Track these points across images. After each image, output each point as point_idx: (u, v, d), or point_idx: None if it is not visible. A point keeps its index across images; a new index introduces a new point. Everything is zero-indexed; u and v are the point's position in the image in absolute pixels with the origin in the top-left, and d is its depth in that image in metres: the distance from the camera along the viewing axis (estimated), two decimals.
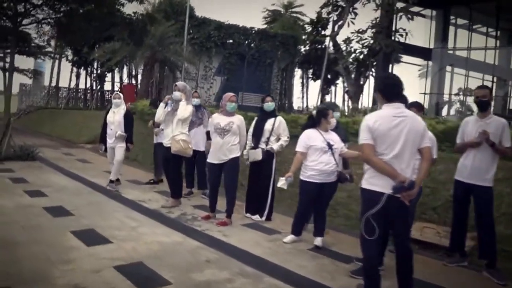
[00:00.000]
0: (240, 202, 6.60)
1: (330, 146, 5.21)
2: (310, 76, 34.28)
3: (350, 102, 18.95)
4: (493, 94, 24.29)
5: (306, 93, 34.84)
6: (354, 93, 18.59)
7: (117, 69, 26.43)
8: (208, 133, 7.64)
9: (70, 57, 26.37)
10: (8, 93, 14.41)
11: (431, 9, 25.48)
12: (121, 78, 28.14)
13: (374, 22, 18.13)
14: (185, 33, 19.79)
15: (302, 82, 34.26)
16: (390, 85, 3.80)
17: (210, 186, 6.35)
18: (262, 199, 6.49)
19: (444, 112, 26.36)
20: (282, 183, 5.17)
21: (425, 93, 26.90)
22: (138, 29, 10.62)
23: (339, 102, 38.74)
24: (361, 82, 19.21)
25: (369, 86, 19.77)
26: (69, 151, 12.99)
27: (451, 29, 26.58)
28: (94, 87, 27.16)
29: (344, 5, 17.96)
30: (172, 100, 6.77)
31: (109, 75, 27.20)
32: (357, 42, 17.92)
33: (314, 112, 5.70)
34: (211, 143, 7.45)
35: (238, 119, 6.13)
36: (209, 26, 23.38)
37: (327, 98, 34.80)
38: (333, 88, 35.44)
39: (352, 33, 18.27)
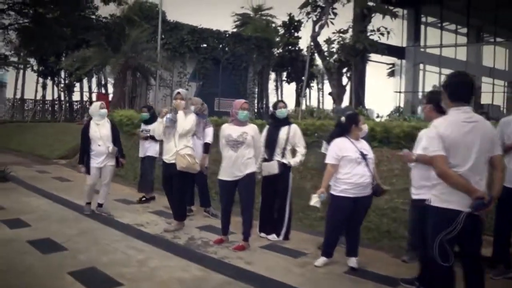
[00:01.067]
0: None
1: (363, 156, 4.61)
2: (284, 79, 33.93)
3: (333, 103, 18.46)
4: None
5: (281, 96, 34.36)
6: (338, 94, 18.19)
7: (85, 78, 25.16)
8: (205, 146, 6.95)
9: (35, 67, 24.82)
10: None
11: (402, 8, 25.64)
12: (90, 88, 26.87)
13: (355, 22, 17.93)
14: (158, 38, 18.89)
15: (276, 85, 33.78)
16: (459, 84, 3.28)
17: (223, 207, 5.59)
18: (278, 216, 5.84)
19: (419, 110, 26.48)
20: (315, 200, 4.51)
21: (400, 92, 27.13)
22: (115, 33, 9.73)
23: (314, 104, 38.58)
24: (343, 83, 18.77)
25: (351, 87, 19.37)
26: (43, 168, 11.93)
27: (422, 27, 26.95)
28: (62, 98, 25.71)
29: (324, 5, 17.62)
30: (172, 111, 6.03)
31: (77, 85, 25.85)
32: (338, 42, 17.55)
33: (342, 118, 5.13)
34: (206, 157, 6.85)
35: (252, 129, 5.42)
36: (182, 31, 22.50)
37: (303, 101, 34.55)
38: (307, 90, 35.24)
39: (333, 33, 17.97)
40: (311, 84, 34.90)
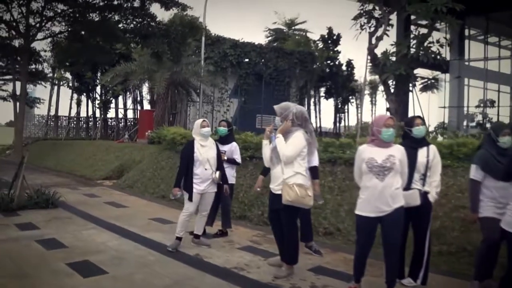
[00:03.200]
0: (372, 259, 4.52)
1: None
2: (322, 94, 32.58)
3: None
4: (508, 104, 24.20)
5: (318, 113, 32.99)
6: (396, 110, 16.70)
7: (121, 95, 24.32)
8: (311, 170, 5.61)
9: (70, 83, 24.04)
10: (20, 125, 11.97)
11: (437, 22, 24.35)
12: (125, 104, 26.01)
13: (417, 33, 16.51)
14: (202, 51, 17.89)
15: (314, 101, 32.44)
16: None
17: (359, 248, 4.28)
18: (415, 256, 4.57)
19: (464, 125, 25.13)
20: None
21: (444, 107, 25.61)
22: (175, 41, 8.67)
23: (353, 121, 37.15)
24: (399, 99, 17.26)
25: (414, 102, 17.81)
26: (90, 191, 10.75)
27: (466, 40, 25.62)
28: (98, 115, 24.85)
29: (379, 16, 16.29)
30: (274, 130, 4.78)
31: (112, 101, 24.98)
32: (396, 54, 16.13)
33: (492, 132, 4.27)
34: (318, 183, 5.54)
35: (398, 151, 4.18)
36: (223, 45, 21.52)
37: (343, 117, 33.13)
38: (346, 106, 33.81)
39: (391, 45, 16.57)
40: (351, 100, 33.48)
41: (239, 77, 22.53)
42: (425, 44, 15.19)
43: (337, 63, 30.34)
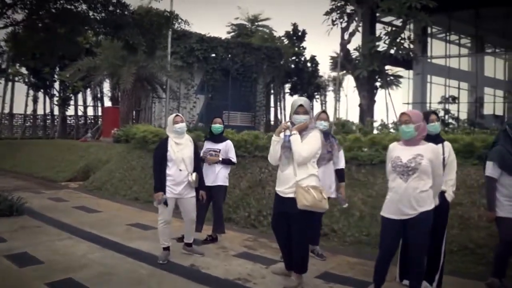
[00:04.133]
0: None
1: None
2: (287, 91, 32.34)
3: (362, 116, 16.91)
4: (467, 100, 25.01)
5: (283, 110, 32.73)
6: (368, 106, 16.69)
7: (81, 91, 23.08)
8: (337, 172, 5.30)
9: (26, 79, 22.47)
10: None
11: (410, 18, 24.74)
12: (84, 101, 24.75)
13: (390, 29, 16.57)
14: (168, 45, 17.16)
15: (279, 98, 32.09)
16: None
17: (382, 250, 3.96)
18: (430, 259, 4.26)
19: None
20: None
21: (408, 103, 26.06)
22: (151, 32, 7.98)
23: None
24: (370, 95, 17.30)
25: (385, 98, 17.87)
26: (56, 195, 9.94)
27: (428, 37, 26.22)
28: (56, 113, 23.44)
29: (352, 12, 16.20)
30: (287, 129, 4.34)
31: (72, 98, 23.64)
32: (370, 50, 16.09)
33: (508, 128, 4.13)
34: (343, 186, 5.36)
35: (429, 150, 3.83)
36: (190, 39, 20.79)
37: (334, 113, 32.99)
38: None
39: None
40: (316, 96, 33.42)
41: (205, 73, 21.90)
42: (398, 40, 15.24)
43: (302, 59, 30.19)
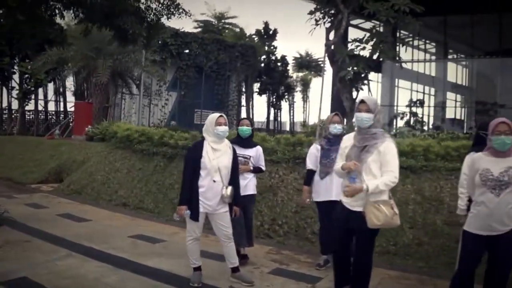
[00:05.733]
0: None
1: None
2: (256, 90, 31.81)
3: (345, 119, 16.56)
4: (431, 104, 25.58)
5: (251, 108, 32.22)
6: (350, 108, 16.34)
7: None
8: None
9: None
10: None
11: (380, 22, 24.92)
12: (45, 95, 23.09)
13: (375, 31, 16.32)
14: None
15: (251, 96, 31.55)
16: None
17: (463, 272, 3.59)
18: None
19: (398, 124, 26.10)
20: None
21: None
22: (152, 24, 7.10)
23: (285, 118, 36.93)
24: (353, 97, 16.96)
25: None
26: (31, 200, 8.85)
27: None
28: (15, 107, 21.62)
29: (337, 12, 15.77)
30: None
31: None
32: (355, 52, 15.76)
33: None
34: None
35: None
36: (164, 33, 19.77)
37: (279, 114, 32.70)
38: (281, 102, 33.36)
39: (350, 42, 16.18)
40: (286, 96, 33.12)
41: (178, 69, 20.99)
42: (381, 43, 15.01)
43: (273, 58, 29.81)
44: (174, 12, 7.43)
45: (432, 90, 26.83)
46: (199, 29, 34.57)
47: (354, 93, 17.41)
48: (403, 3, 13.73)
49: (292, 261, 5.35)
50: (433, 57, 27.37)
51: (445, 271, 4.88)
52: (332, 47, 15.66)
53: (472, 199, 3.62)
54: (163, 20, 7.48)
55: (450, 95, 26.44)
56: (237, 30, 30.80)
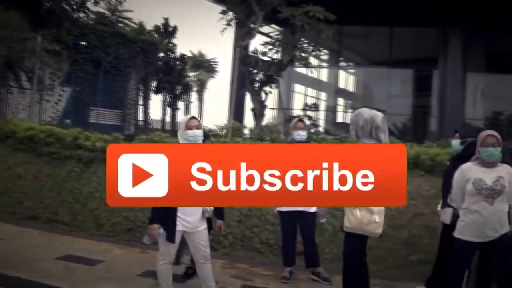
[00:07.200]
0: None
1: None
2: (153, 88, 30.53)
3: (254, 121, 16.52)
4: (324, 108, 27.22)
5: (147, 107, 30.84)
6: (260, 111, 16.35)
7: None
8: None
9: None
10: None
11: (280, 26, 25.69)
12: None
13: (284, 36, 16.54)
14: None
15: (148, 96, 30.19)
16: None
17: (454, 278, 3.84)
18: None
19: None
20: None
21: (273, 108, 27.09)
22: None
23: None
24: (262, 99, 17.02)
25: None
26: None
27: None
28: None
29: (248, 13, 15.66)
30: None
31: None
32: (263, 54, 15.81)
33: None
34: None
35: (506, 171, 3.75)
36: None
37: (178, 114, 31.68)
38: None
39: (262, 44, 16.17)
40: (183, 97, 32.31)
41: (74, 62, 19.18)
42: (297, 48, 15.28)
43: (173, 56, 28.91)
44: None
45: (324, 95, 28.25)
46: (91, 22, 32.26)
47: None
48: (317, 10, 14.09)
49: (254, 276, 5.08)
50: (325, 64, 28.82)
51: (394, 273, 5.19)
52: (244, 49, 15.58)
53: (462, 207, 3.81)
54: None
55: (340, 101, 28.42)
56: (133, 25, 29.23)
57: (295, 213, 4.75)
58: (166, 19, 28.95)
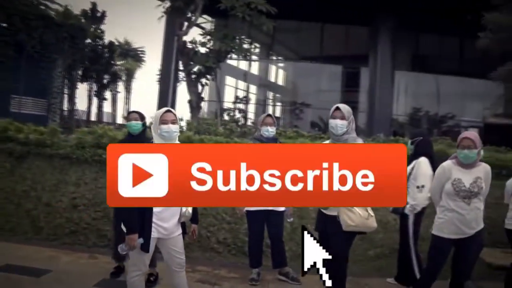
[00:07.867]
0: None
1: None
2: (79, 77, 28.96)
3: (190, 113, 16.27)
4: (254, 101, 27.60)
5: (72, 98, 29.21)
6: (197, 103, 16.14)
7: None
8: None
9: None
10: None
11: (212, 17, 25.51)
12: None
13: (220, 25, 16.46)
14: None
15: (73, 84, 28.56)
16: None
17: (431, 274, 4.13)
18: None
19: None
20: None
21: (204, 100, 27.00)
22: None
23: (108, 108, 34.58)
24: (199, 91, 16.82)
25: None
26: None
27: None
28: None
29: (190, 2, 15.37)
30: None
31: None
32: (203, 45, 15.65)
33: None
34: None
35: (485, 173, 3.98)
36: None
37: (105, 105, 30.37)
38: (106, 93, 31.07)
39: (201, 34, 15.92)
40: (111, 86, 31.04)
41: None
42: (238, 39, 15.27)
43: (101, 43, 27.62)
44: None
45: (254, 89, 28.53)
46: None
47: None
48: (259, 2, 14.14)
49: (219, 279, 4.95)
50: (256, 57, 28.99)
51: (356, 269, 5.27)
52: (183, 38, 15.29)
53: (439, 205, 4.04)
54: None
55: (270, 94, 28.80)
56: (59, 7, 27.50)
57: (263, 213, 4.71)
58: (94, 4, 27.51)
